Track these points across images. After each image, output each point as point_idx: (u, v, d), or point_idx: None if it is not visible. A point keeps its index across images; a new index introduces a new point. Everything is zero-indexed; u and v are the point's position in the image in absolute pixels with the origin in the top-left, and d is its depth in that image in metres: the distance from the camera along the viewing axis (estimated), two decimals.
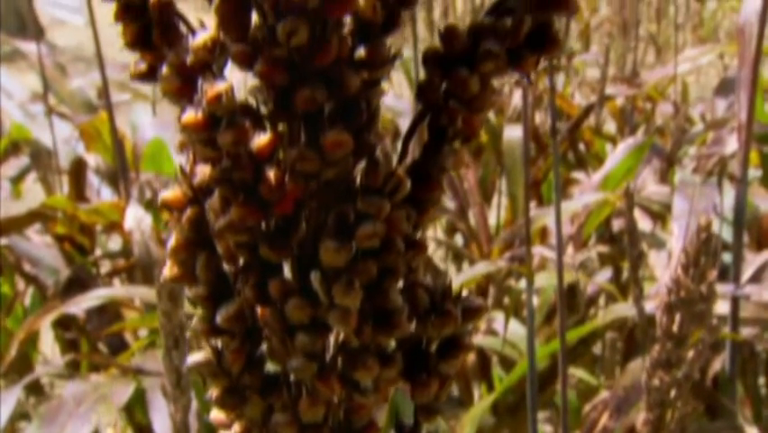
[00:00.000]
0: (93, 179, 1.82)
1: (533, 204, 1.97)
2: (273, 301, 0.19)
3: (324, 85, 0.18)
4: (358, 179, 0.19)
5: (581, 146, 2.08)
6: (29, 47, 2.01)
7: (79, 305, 1.37)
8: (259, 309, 0.19)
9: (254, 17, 0.19)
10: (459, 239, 2.02)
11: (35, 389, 1.49)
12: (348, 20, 0.18)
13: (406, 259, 0.20)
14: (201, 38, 0.18)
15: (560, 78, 2.14)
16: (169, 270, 0.20)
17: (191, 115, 0.18)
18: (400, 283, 0.20)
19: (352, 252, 0.18)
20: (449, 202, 1.94)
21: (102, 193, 1.80)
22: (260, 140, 0.18)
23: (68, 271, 1.52)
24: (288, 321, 0.19)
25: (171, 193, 0.20)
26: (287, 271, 0.20)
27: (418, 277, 0.20)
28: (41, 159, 1.83)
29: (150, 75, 0.20)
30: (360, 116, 0.18)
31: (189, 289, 0.20)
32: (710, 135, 1.73)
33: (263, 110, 0.19)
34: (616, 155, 1.59)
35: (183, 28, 0.19)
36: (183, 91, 0.18)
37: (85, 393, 1.06)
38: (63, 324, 1.51)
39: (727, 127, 1.63)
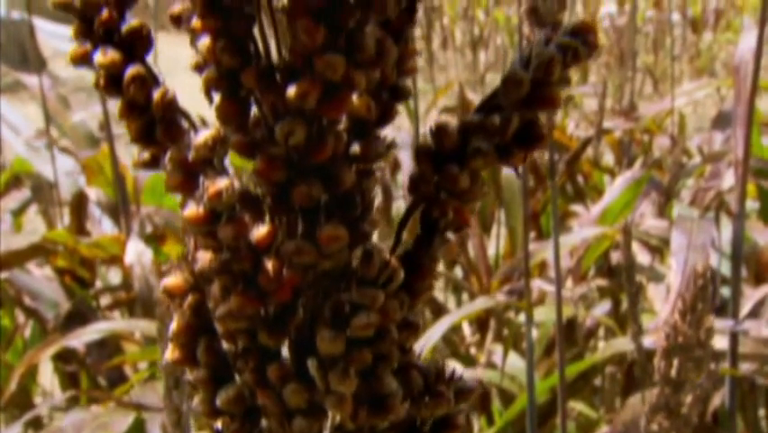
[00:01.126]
0: (94, 211, 1.83)
1: (532, 236, 1.98)
2: (272, 385, 0.20)
3: (321, 180, 0.19)
4: (354, 264, 0.20)
5: (580, 178, 2.09)
6: (31, 80, 2.02)
7: (80, 338, 1.38)
8: (258, 393, 0.20)
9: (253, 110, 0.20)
10: (458, 271, 2.02)
11: (35, 423, 1.49)
12: (343, 116, 0.19)
13: (401, 340, 0.20)
14: (203, 136, 0.19)
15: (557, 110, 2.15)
16: (170, 353, 0.20)
17: (193, 209, 0.19)
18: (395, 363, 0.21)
19: (348, 340, 0.19)
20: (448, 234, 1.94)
21: (103, 224, 1.81)
22: (260, 232, 0.19)
23: (68, 305, 1.53)
24: (287, 405, 0.20)
25: (173, 280, 0.20)
26: (285, 353, 0.21)
27: (413, 358, 0.21)
28: (43, 192, 1.84)
29: (153, 164, 0.21)
30: (355, 209, 0.19)
31: (190, 372, 0.20)
32: (708, 168, 1.74)
33: (260, 194, 0.20)
34: (614, 189, 1.60)
35: (185, 123, 0.20)
36: (185, 186, 0.19)
37: (84, 422, 1.06)
38: (63, 357, 1.52)
39: (725, 161, 1.65)
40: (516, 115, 0.19)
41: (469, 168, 0.19)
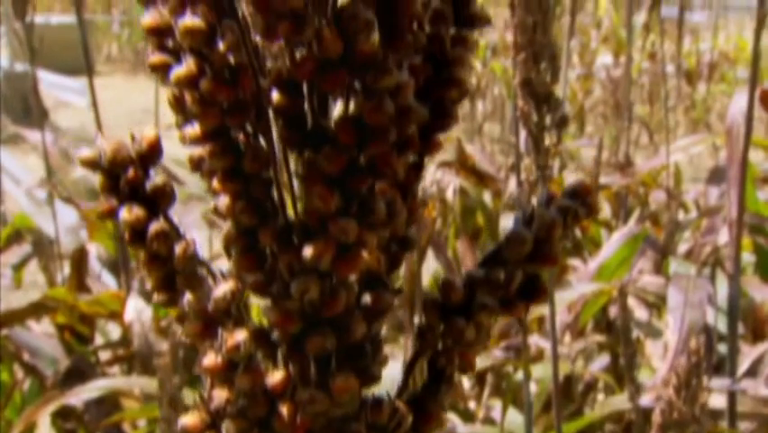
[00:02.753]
0: (94, 265, 1.83)
1: None
2: None
3: (333, 331, 0.20)
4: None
5: (577, 230, 2.10)
6: (33, 135, 2.04)
7: (79, 396, 1.38)
8: None
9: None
10: None
11: None
12: None
13: None
14: (222, 290, 0.20)
15: (554, 163, 2.17)
16: None
17: (211, 358, 0.20)
18: None
19: None
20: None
21: (103, 278, 1.82)
22: (275, 379, 0.20)
23: (67, 361, 1.53)
24: None
25: (190, 419, 0.21)
26: None
27: None
28: (43, 247, 1.85)
29: (170, 303, 0.22)
30: (365, 357, 0.20)
31: None
32: (704, 222, 1.75)
33: (276, 338, 0.21)
34: (611, 245, 1.62)
35: (204, 272, 0.21)
36: (204, 335, 0.20)
37: None
38: (61, 414, 1.51)
39: (720, 215, 1.66)
40: (519, 271, 0.20)
41: (474, 321, 0.20)
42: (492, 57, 3.61)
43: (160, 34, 0.21)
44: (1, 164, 2.34)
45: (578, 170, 2.30)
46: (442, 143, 0.21)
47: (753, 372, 1.35)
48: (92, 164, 0.20)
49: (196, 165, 0.22)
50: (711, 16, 3.93)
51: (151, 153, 0.20)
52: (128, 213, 0.20)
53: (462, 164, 2.10)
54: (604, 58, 3.67)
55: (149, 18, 0.22)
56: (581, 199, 0.20)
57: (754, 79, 1.16)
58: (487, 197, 2.21)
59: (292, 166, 0.20)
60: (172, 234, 0.20)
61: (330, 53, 0.18)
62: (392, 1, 0.19)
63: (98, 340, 1.67)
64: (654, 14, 2.08)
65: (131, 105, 3.88)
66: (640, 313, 1.60)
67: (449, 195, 2.12)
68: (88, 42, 1.37)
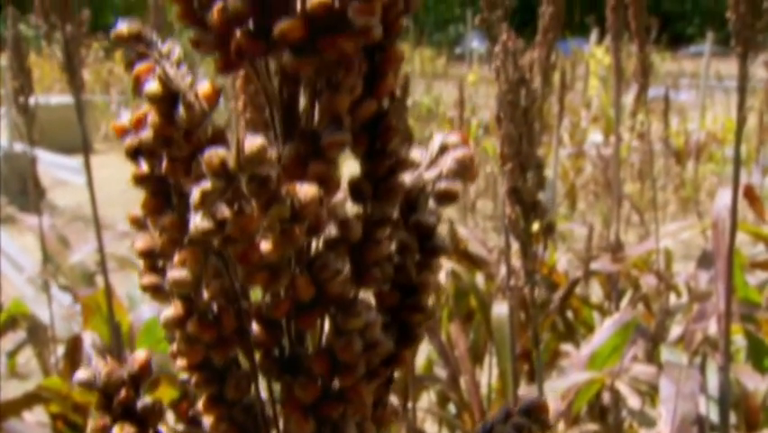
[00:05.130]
0: (89, 352, 1.84)
1: (524, 372, 1.99)
2: None
3: None
4: None
5: (570, 313, 2.11)
6: (31, 220, 2.07)
7: None
8: None
9: None
10: (451, 408, 2.02)
11: None
12: None
13: None
14: None
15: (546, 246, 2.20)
16: None
17: None
18: None
19: None
20: (440, 370, 1.96)
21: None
22: None
23: None
24: None
25: None
26: None
27: None
28: (38, 334, 1.86)
29: None
30: None
31: None
32: (695, 307, 1.77)
33: None
34: (602, 332, 1.63)
35: None
36: None
37: None
38: None
39: (711, 300, 1.68)
40: None
41: None
42: (484, 135, 3.67)
43: (151, 256, 0.24)
44: (1, 248, 2.37)
45: (569, 252, 2.32)
46: (407, 359, 0.23)
47: None
48: (87, 385, 0.22)
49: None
50: (698, 96, 4.02)
51: (142, 373, 0.22)
52: (120, 432, 0.22)
53: (455, 248, 2.12)
54: (594, 136, 3.73)
55: (140, 242, 0.24)
56: (536, 417, 0.22)
57: (737, 176, 1.19)
58: (480, 279, 2.23)
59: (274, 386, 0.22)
60: None
61: (304, 297, 0.21)
62: (361, 248, 0.21)
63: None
64: (642, 94, 2.13)
65: (127, 183, 3.91)
66: (633, 401, 1.61)
67: (441, 278, 2.14)
68: (86, 122, 1.40)
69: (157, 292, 0.24)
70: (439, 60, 9.43)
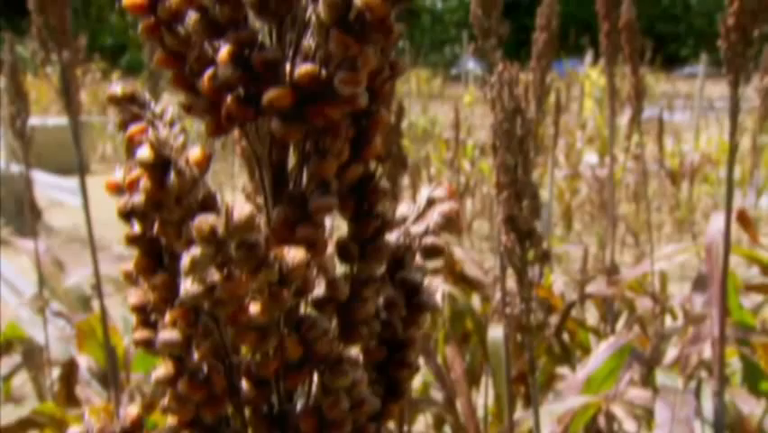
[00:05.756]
0: (84, 374, 1.84)
1: (520, 396, 1.99)
2: None
3: None
4: None
5: (566, 335, 2.12)
6: (26, 244, 2.07)
7: None
8: None
9: None
10: (447, 430, 2.02)
11: None
12: None
13: None
14: None
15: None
16: None
17: None
18: None
19: None
20: (436, 393, 1.96)
21: (92, 386, 1.82)
22: None
23: None
24: None
25: None
26: None
27: None
28: (34, 358, 1.85)
29: None
30: None
31: None
32: (690, 330, 1.77)
33: None
34: (598, 356, 1.63)
35: None
36: None
37: None
38: None
39: (706, 323, 1.68)
40: None
41: None
42: (480, 156, 3.68)
43: (143, 311, 0.24)
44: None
45: (565, 274, 2.32)
46: (395, 412, 0.23)
47: None
48: None
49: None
50: (693, 117, 4.04)
51: (135, 429, 0.23)
52: None
53: (451, 270, 2.12)
54: (590, 157, 3.74)
55: (133, 298, 0.25)
56: None
57: (730, 202, 1.20)
58: (476, 300, 2.23)
59: None
60: None
61: (292, 357, 0.21)
62: (348, 307, 0.22)
63: None
64: (636, 118, 2.14)
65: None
66: (629, 426, 1.61)
67: (437, 300, 2.14)
68: (81, 143, 1.40)
69: (149, 347, 0.24)
70: (435, 81, 9.47)
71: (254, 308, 0.20)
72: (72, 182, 4.00)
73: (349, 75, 0.20)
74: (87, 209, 1.44)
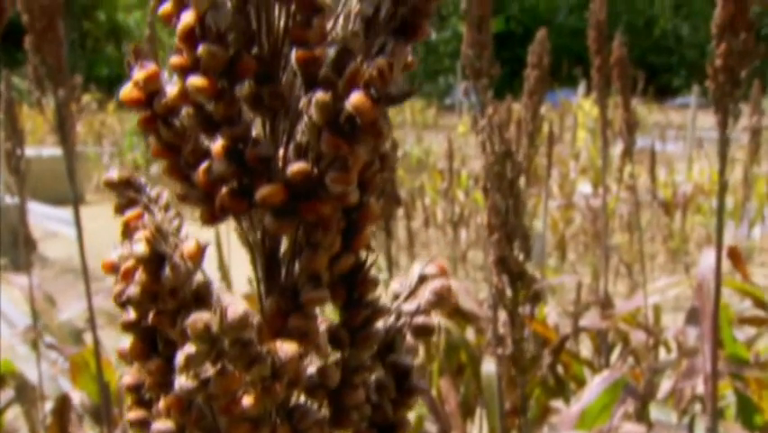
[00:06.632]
0: (77, 408, 1.83)
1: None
2: None
3: None
4: None
5: (560, 368, 2.12)
6: (20, 280, 2.07)
7: None
8: None
9: None
10: None
11: None
12: None
13: None
14: None
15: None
16: None
17: None
18: None
19: None
20: (431, 426, 1.95)
21: (84, 422, 1.81)
22: None
23: None
24: None
25: None
26: None
27: None
28: (26, 393, 1.85)
29: None
30: None
31: None
32: (684, 363, 1.77)
33: None
34: (592, 390, 1.63)
35: None
36: None
37: None
38: None
39: (699, 357, 1.68)
40: None
41: None
42: (475, 186, 3.69)
43: (138, 391, 0.25)
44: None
45: (559, 305, 2.33)
46: None
47: None
48: None
49: None
50: (685, 147, 4.06)
51: None
52: None
53: None
54: (583, 187, 3.76)
55: (128, 378, 0.25)
56: None
57: (720, 240, 1.21)
58: (470, 332, 2.23)
59: None
60: None
61: None
62: (339, 393, 0.22)
63: None
64: (629, 151, 2.15)
65: (118, 234, 3.91)
66: None
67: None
68: (75, 174, 1.41)
69: (144, 427, 0.25)
70: (429, 111, 9.52)
71: (247, 400, 0.21)
72: (67, 213, 4.00)
73: (340, 175, 0.21)
74: (81, 243, 1.44)
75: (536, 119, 1.52)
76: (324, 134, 0.21)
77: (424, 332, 0.26)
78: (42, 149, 5.62)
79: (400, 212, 3.54)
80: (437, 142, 5.65)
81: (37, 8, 1.36)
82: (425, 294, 0.26)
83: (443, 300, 0.27)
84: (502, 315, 0.92)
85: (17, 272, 2.57)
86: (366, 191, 0.22)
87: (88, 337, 1.89)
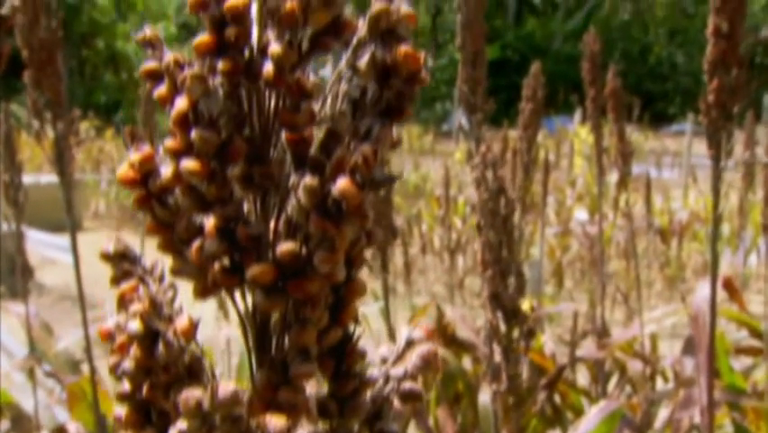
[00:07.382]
0: None
1: None
2: None
3: None
4: None
5: (557, 397, 2.11)
6: (17, 308, 2.07)
7: None
8: None
9: None
10: None
11: None
12: None
13: None
14: None
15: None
16: None
17: None
18: None
19: None
20: None
21: None
22: None
23: None
24: None
25: None
26: None
27: None
28: (23, 424, 1.84)
29: None
30: None
31: None
32: (681, 393, 1.77)
33: None
34: (589, 421, 1.63)
35: None
36: None
37: None
38: None
39: (696, 388, 1.68)
40: None
41: None
42: (471, 213, 3.71)
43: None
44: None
45: (555, 335, 2.33)
46: None
47: None
48: None
49: None
50: (681, 174, 4.09)
51: None
52: None
53: (442, 332, 2.13)
54: (580, 214, 3.77)
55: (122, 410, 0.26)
56: None
57: (715, 272, 1.21)
58: (467, 361, 2.23)
59: None
60: None
61: None
62: None
63: None
64: (624, 181, 2.16)
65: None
66: None
67: None
68: (72, 201, 1.41)
69: None
70: (426, 137, 9.56)
71: None
72: (64, 240, 4.01)
73: (327, 255, 0.21)
74: (78, 271, 1.45)
75: (532, 151, 1.53)
76: (312, 217, 0.21)
77: (410, 397, 0.26)
78: (41, 176, 5.63)
79: (397, 239, 3.55)
80: (434, 169, 5.67)
81: (36, 43, 1.37)
82: (413, 359, 0.27)
83: (429, 366, 0.28)
84: (498, 348, 0.93)
85: (14, 300, 2.58)
86: (353, 267, 0.23)
87: (86, 367, 1.89)
